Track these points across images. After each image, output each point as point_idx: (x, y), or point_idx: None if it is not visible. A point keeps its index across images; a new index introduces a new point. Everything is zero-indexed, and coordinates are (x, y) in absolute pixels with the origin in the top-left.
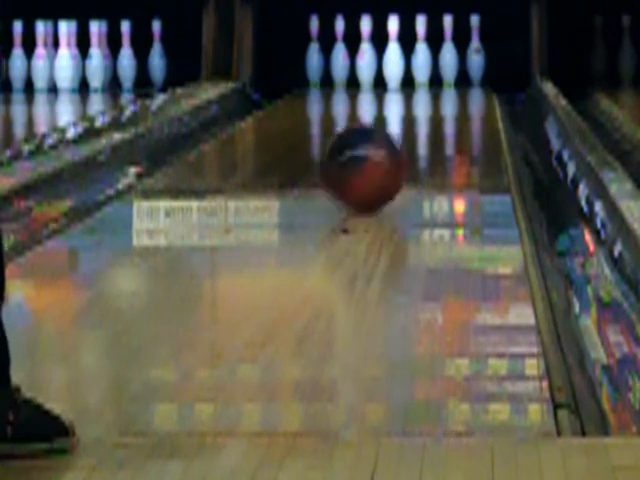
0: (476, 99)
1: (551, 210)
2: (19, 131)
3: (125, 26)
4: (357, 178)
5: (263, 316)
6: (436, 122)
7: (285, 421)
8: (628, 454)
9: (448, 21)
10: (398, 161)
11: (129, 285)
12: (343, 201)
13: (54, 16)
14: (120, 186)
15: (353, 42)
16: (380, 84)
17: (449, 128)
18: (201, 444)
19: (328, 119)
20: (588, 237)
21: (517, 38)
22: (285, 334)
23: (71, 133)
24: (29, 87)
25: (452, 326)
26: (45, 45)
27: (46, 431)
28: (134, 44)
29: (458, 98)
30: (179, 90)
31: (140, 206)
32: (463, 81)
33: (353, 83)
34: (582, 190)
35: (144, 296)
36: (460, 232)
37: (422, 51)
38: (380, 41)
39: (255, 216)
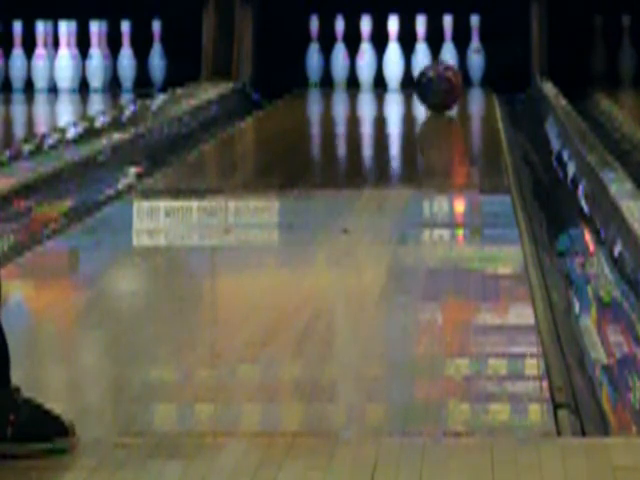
0: (476, 99)
1: (551, 210)
2: (19, 131)
3: (125, 26)
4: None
5: (263, 316)
6: (436, 122)
7: (285, 421)
8: (628, 454)
9: (448, 21)
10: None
11: (129, 285)
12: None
13: (54, 16)
14: (120, 186)
15: (353, 42)
16: (380, 84)
17: (449, 128)
18: (201, 444)
19: (328, 119)
20: (588, 237)
21: (517, 38)
22: (285, 334)
23: (71, 133)
24: (29, 87)
25: (452, 326)
26: (45, 45)
27: (46, 431)
28: (134, 44)
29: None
30: (179, 90)
31: (140, 206)
32: (463, 81)
33: (353, 83)
34: (582, 190)
35: (144, 296)
36: (460, 232)
37: (422, 51)
38: (380, 41)
39: (255, 216)
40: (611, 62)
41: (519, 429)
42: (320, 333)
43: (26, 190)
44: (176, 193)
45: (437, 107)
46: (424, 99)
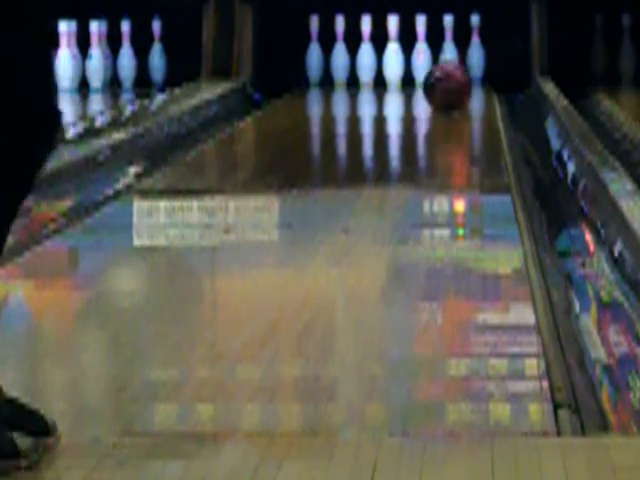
0: (476, 99)
1: (551, 210)
2: None
3: (125, 26)
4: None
5: (263, 316)
6: (436, 121)
7: (285, 421)
8: (628, 454)
9: (448, 21)
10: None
11: (129, 285)
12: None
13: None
14: (119, 186)
15: (353, 42)
16: (380, 84)
17: (449, 128)
18: (201, 444)
19: (328, 119)
20: (588, 237)
21: (517, 37)
22: (285, 334)
23: (71, 133)
24: None
25: (452, 326)
26: None
27: (27, 430)
28: (134, 44)
29: None
30: (179, 90)
31: (140, 206)
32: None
33: (353, 83)
34: (582, 190)
35: (144, 296)
36: (460, 232)
37: (422, 51)
38: (380, 41)
39: (255, 216)
40: (611, 62)
41: (519, 429)
42: (320, 333)
43: None
44: (176, 193)
45: (445, 107)
46: (431, 99)
